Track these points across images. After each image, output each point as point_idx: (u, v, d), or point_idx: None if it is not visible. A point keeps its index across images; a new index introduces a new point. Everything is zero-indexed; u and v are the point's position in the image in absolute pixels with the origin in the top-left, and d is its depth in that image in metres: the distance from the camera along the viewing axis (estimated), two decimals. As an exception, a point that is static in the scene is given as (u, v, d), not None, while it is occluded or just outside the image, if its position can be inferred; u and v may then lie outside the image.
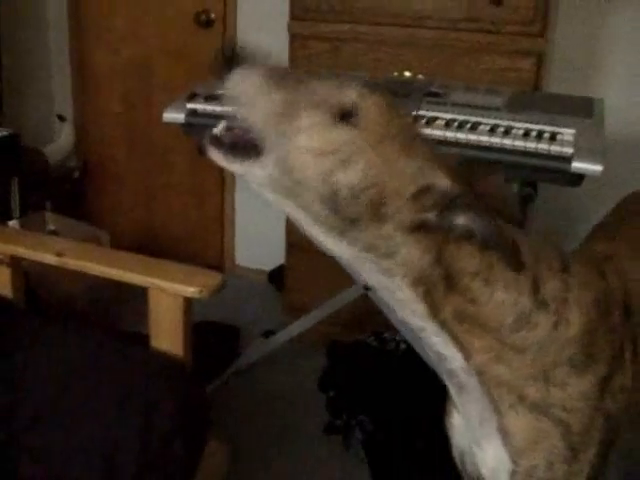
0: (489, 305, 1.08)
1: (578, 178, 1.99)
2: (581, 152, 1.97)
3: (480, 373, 1.13)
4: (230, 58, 1.03)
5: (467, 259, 1.06)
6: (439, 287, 1.06)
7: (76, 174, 4.00)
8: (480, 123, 2.13)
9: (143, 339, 1.84)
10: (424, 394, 2.58)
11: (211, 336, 2.97)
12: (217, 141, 1.05)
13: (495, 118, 2.16)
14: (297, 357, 3.04)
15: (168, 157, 3.91)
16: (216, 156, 1.05)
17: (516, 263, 1.07)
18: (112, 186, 4.12)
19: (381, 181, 1.00)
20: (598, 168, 1.94)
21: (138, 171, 4.05)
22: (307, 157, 0.99)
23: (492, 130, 2.09)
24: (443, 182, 1.02)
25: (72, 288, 2.89)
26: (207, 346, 2.57)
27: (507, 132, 2.08)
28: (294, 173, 1.00)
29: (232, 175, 3.74)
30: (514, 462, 1.17)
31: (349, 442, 2.60)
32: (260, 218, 3.70)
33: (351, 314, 2.83)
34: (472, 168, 1.13)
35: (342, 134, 0.99)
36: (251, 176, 1.04)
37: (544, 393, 1.12)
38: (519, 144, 2.03)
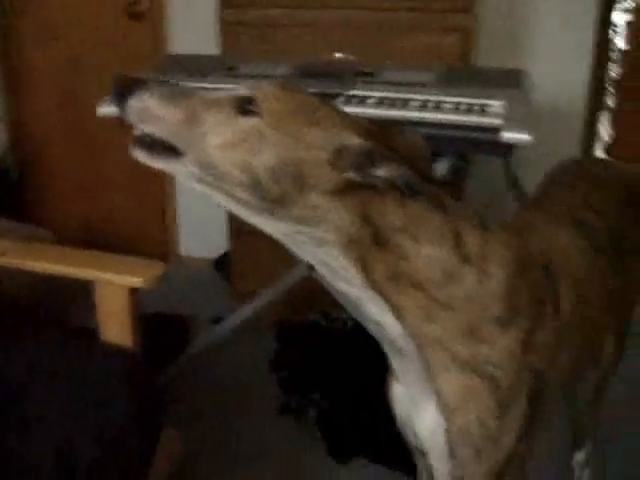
0: (418, 261, 1.12)
1: (508, 148, 2.04)
2: (510, 123, 2.02)
3: (415, 335, 1.17)
4: (125, 85, 1.11)
5: (392, 214, 1.10)
6: (370, 248, 1.10)
7: (14, 175, 3.95)
8: (411, 99, 2.17)
9: (92, 333, 1.85)
10: (372, 368, 2.64)
11: (160, 327, 2.98)
12: (140, 141, 1.12)
13: (426, 94, 2.20)
14: (247, 342, 3.05)
15: (106, 151, 3.88)
16: (140, 155, 1.13)
17: (440, 205, 1.13)
18: (52, 185, 4.08)
19: (294, 157, 1.05)
20: (527, 137, 1.99)
21: (77, 167, 4.01)
22: (220, 153, 1.06)
23: (423, 106, 2.13)
24: (355, 141, 1.06)
25: (14, 287, 2.86)
26: (157, 337, 2.57)
27: (438, 107, 2.12)
28: (214, 169, 1.07)
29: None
30: (447, 420, 1.22)
31: (303, 420, 2.64)
32: (201, 207, 3.70)
33: (297, 295, 2.85)
34: (387, 127, 1.17)
35: (245, 124, 1.06)
36: (176, 172, 1.13)
37: (473, 350, 1.17)
38: (450, 118, 2.07)
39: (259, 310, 2.78)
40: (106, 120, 2.42)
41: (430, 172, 1.18)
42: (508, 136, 2.00)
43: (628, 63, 5.80)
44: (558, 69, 3.13)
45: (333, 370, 2.70)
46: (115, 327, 1.81)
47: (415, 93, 2.20)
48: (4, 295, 2.78)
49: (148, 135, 1.11)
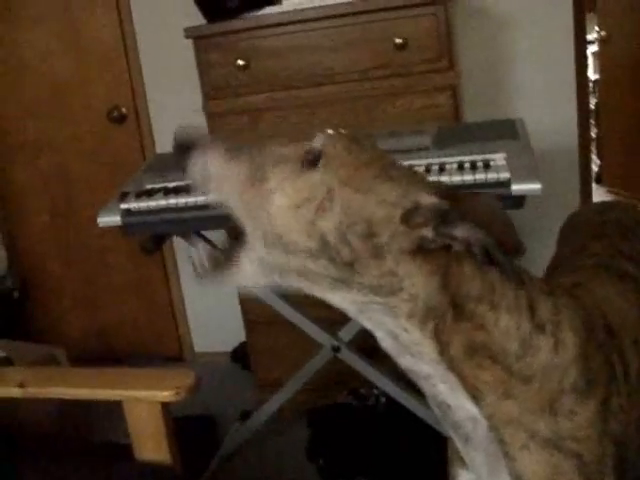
0: (496, 331, 1.05)
1: (519, 200, 2.01)
2: (517, 174, 2.00)
3: (490, 416, 1.09)
4: (187, 140, 1.04)
5: (470, 281, 1.02)
6: (447, 317, 1.03)
7: (15, 294, 3.90)
8: (413, 165, 2.14)
9: (125, 450, 1.78)
10: (413, 443, 2.56)
11: (188, 431, 2.89)
12: (202, 269, 1.08)
13: (427, 157, 2.19)
14: (278, 432, 2.97)
15: (106, 259, 3.85)
16: (208, 281, 1.09)
17: (517, 277, 1.06)
18: (55, 299, 4.03)
19: (365, 213, 0.98)
20: (537, 186, 1.96)
21: (78, 278, 3.97)
22: (287, 215, 0.99)
23: (427, 170, 2.11)
24: (429, 199, 0.99)
25: (36, 411, 2.78)
26: (186, 442, 2.50)
27: (442, 169, 2.10)
28: (280, 240, 1.00)
29: (175, 265, 3.73)
30: None
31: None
32: (210, 301, 3.67)
33: (324, 378, 2.79)
34: (460, 192, 1.08)
35: (310, 179, 0.99)
36: (243, 275, 1.06)
37: (554, 426, 1.09)
38: (456, 179, 2.05)
39: (287, 399, 2.71)
40: (102, 228, 2.39)
41: (512, 238, 1.10)
42: (519, 188, 1.98)
43: (600, 92, 5.91)
44: (547, 111, 3.13)
45: (373, 450, 2.61)
46: (150, 444, 1.74)
47: (415, 158, 2.18)
48: (25, 420, 2.71)
49: (204, 258, 1.07)
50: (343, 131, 1.07)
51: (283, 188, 0.99)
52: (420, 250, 0.99)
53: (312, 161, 1.00)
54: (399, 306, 1.02)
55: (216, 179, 1.02)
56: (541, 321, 1.08)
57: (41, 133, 3.78)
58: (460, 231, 0.96)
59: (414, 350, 1.06)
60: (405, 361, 1.09)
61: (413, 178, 1.03)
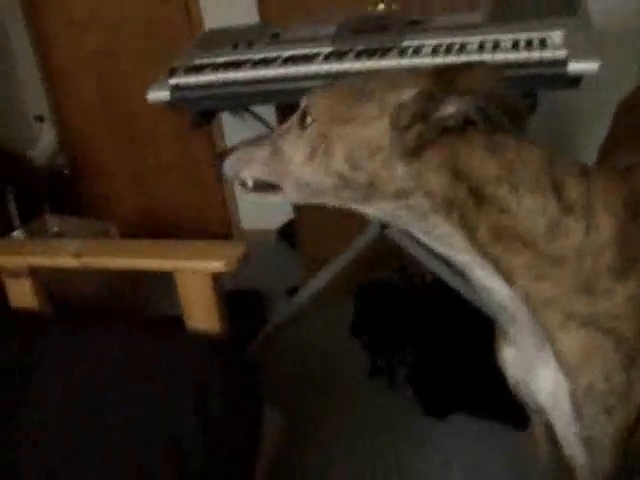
0: (520, 213, 1.07)
1: (576, 79, 1.96)
2: (575, 52, 1.94)
3: (526, 297, 1.13)
4: (221, 154, 1.30)
5: (484, 164, 1.05)
6: (469, 204, 1.06)
7: (66, 172, 3.96)
8: (467, 43, 2.09)
9: (174, 321, 1.83)
10: (458, 319, 2.60)
11: (237, 304, 2.97)
12: (245, 185, 1.28)
13: (481, 35, 2.13)
14: (325, 309, 3.04)
15: (154, 137, 3.87)
16: (254, 196, 1.28)
17: (531, 144, 1.08)
18: (105, 177, 4.09)
19: (359, 138, 1.07)
20: (594, 66, 1.90)
21: (128, 156, 4.01)
22: (305, 169, 1.14)
23: (481, 47, 2.05)
24: (409, 93, 1.04)
25: (86, 286, 2.87)
26: (235, 315, 2.57)
27: (496, 46, 2.04)
28: (308, 185, 1.15)
29: (223, 142, 3.74)
30: (572, 381, 1.17)
31: (394, 381, 2.61)
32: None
33: (370, 255, 2.81)
34: (451, 68, 1.13)
35: (308, 134, 1.13)
36: (285, 200, 1.23)
37: (591, 305, 1.12)
38: (511, 56, 1.99)
39: (334, 276, 2.75)
40: (150, 106, 2.39)
41: (512, 100, 1.11)
42: (576, 67, 1.91)
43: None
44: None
45: (417, 326, 2.66)
46: (200, 314, 1.79)
47: (470, 35, 2.13)
48: (76, 294, 2.80)
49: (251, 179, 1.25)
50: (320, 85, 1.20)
51: (295, 150, 1.14)
52: (424, 145, 1.03)
53: (304, 121, 1.14)
54: (421, 204, 1.08)
55: (246, 165, 1.23)
56: (569, 203, 1.09)
57: (88, 10, 3.75)
58: (449, 107, 0.99)
59: (447, 241, 1.12)
60: (443, 251, 1.15)
61: (390, 83, 1.08)
